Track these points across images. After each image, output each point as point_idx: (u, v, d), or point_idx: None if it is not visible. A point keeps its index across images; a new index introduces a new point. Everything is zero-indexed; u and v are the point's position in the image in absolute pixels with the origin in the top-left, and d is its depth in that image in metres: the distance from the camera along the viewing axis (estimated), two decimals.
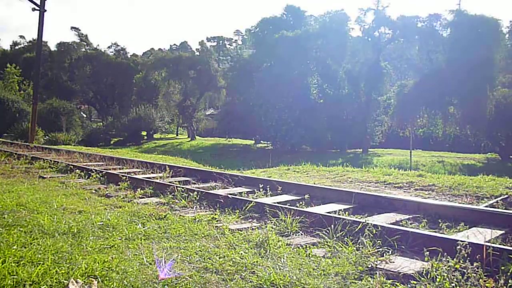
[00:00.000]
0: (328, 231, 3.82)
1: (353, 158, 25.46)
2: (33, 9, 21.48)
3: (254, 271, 2.92)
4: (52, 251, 3.10)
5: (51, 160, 9.22)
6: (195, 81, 41.93)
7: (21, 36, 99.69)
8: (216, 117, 41.72)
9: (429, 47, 28.66)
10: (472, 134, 28.07)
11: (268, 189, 6.10)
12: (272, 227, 4.14)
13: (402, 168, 10.82)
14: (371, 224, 3.74)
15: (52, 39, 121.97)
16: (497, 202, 5.55)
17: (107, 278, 2.67)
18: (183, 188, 5.82)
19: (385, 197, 5.46)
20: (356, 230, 3.80)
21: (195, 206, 5.21)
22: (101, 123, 48.85)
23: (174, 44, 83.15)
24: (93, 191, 6.13)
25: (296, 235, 4.01)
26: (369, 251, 3.29)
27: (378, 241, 3.46)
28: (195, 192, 5.50)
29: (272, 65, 31.08)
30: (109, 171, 7.86)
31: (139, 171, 8.49)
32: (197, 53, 57.66)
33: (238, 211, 4.85)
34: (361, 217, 4.37)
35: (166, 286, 2.63)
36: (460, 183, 6.85)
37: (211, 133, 45.50)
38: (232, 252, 3.31)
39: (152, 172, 8.41)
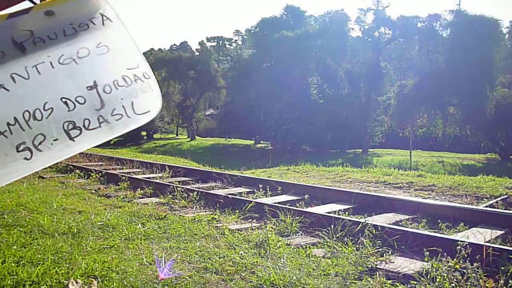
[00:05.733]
0: (328, 231, 3.82)
1: (353, 158, 25.41)
2: None
3: (254, 271, 2.92)
4: (52, 251, 3.10)
5: None
6: (195, 81, 41.85)
7: None
8: (216, 117, 41.68)
9: (429, 47, 28.59)
10: (472, 134, 28.01)
11: (268, 189, 6.10)
12: (272, 227, 4.14)
13: (402, 168, 10.82)
14: (371, 224, 3.74)
15: None
16: (497, 202, 5.55)
17: (107, 278, 2.67)
18: (183, 188, 5.82)
19: (385, 197, 5.46)
20: (356, 230, 3.81)
21: (195, 206, 5.21)
22: None
23: (174, 44, 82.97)
24: (93, 191, 6.13)
25: (296, 235, 4.01)
26: (369, 251, 3.29)
27: (378, 241, 3.46)
28: (195, 192, 5.50)
29: (272, 65, 31.05)
30: (108, 171, 7.87)
31: (139, 171, 8.50)
32: (197, 53, 57.45)
33: (238, 211, 4.85)
34: (361, 217, 4.38)
35: (166, 286, 2.63)
36: (460, 183, 6.85)
37: (211, 133, 45.41)
38: (232, 252, 3.31)
39: (152, 172, 8.41)
